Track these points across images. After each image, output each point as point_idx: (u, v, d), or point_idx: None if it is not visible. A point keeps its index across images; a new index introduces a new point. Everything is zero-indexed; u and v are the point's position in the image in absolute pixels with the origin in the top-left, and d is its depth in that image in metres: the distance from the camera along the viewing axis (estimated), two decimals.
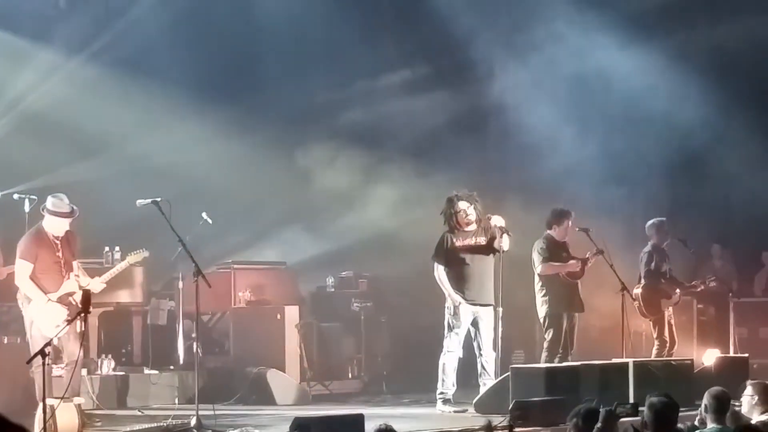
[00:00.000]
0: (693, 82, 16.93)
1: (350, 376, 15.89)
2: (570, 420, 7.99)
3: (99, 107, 15.64)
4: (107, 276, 11.78)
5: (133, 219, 12.98)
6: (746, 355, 14.24)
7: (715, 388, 8.44)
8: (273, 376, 14.05)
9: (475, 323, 12.62)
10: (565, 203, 14.12)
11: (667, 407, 7.89)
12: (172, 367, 14.35)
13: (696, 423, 8.49)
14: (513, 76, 17.14)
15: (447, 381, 12.64)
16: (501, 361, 12.65)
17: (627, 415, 9.91)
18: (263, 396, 13.88)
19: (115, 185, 15.22)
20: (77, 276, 11.47)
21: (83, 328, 10.74)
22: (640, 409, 9.34)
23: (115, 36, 15.83)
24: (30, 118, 15.34)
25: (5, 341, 12.91)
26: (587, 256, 13.50)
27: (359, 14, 17.23)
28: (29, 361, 10.21)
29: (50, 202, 11.44)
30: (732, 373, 12.66)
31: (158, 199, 11.43)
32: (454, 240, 12.68)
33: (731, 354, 14.92)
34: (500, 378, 12.25)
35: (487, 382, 12.48)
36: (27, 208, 13.01)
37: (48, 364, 9.56)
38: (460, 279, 12.60)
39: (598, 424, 7.83)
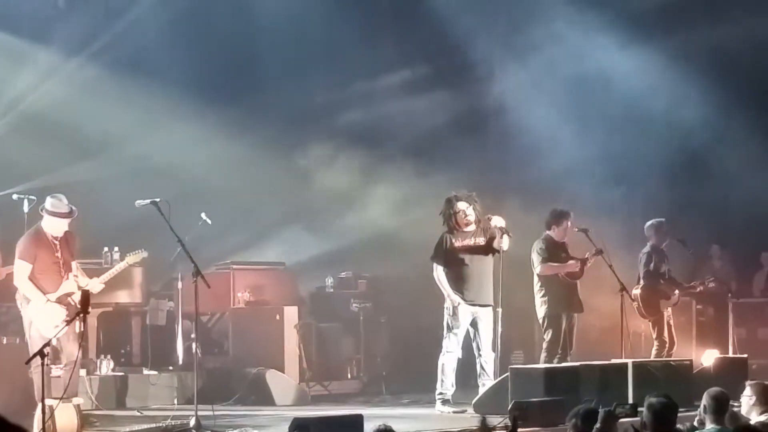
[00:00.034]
0: (693, 82, 16.93)
1: (349, 376, 15.89)
2: (569, 420, 7.99)
3: (98, 107, 15.63)
4: (106, 276, 11.76)
5: (132, 219, 12.97)
6: (745, 355, 14.23)
7: (714, 389, 8.44)
8: (272, 377, 14.05)
9: (474, 324, 12.62)
10: (565, 203, 14.11)
11: (666, 408, 7.89)
12: (171, 368, 14.34)
13: (695, 423, 8.48)
14: (513, 77, 17.14)
15: (446, 381, 12.64)
16: (500, 362, 12.66)
17: (626, 416, 9.93)
18: (262, 396, 13.87)
19: (115, 186, 15.21)
20: (76, 276, 11.45)
21: (82, 329, 10.75)
22: (639, 409, 9.34)
23: (114, 36, 15.83)
24: (29, 118, 15.34)
25: (4, 341, 12.90)
26: (586, 256, 13.50)
27: (359, 14, 17.22)
28: (28, 362, 10.22)
29: (49, 202, 11.43)
30: (731, 374, 12.66)
31: (157, 200, 11.43)
32: (453, 240, 12.68)
33: (730, 354, 14.90)
34: (499, 378, 12.25)
35: (486, 382, 12.48)
36: (26, 208, 13.01)
37: (47, 365, 9.55)
38: (459, 279, 12.60)
39: (598, 425, 7.83)
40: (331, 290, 16.53)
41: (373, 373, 15.76)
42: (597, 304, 14.06)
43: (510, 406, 10.85)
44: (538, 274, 13.53)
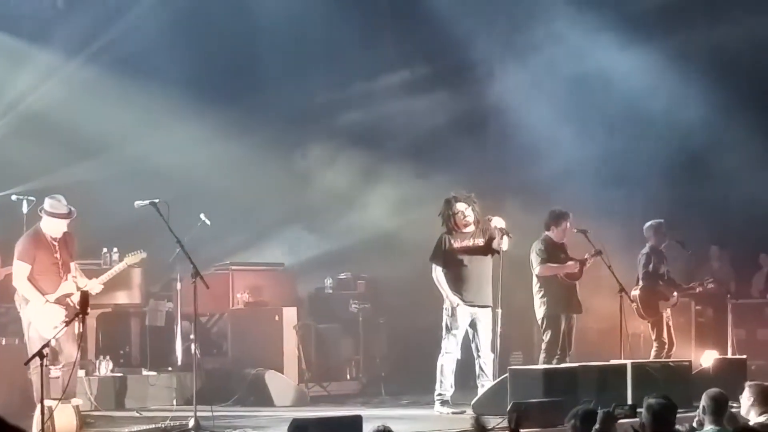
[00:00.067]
0: (693, 82, 16.92)
1: (348, 377, 15.88)
2: (568, 421, 8.00)
3: (98, 108, 15.62)
4: (105, 277, 11.77)
5: (131, 220, 12.96)
6: (744, 356, 14.24)
7: (713, 390, 8.44)
8: (271, 378, 14.04)
9: (473, 324, 12.61)
10: (565, 204, 14.09)
11: (665, 408, 7.89)
12: (170, 369, 14.34)
13: (694, 424, 8.48)
14: (513, 77, 17.13)
15: (445, 382, 12.64)
16: (499, 363, 12.65)
17: (625, 417, 9.90)
18: (261, 397, 13.87)
19: (114, 186, 15.19)
20: (75, 277, 11.45)
21: (81, 330, 10.74)
22: (638, 410, 9.31)
23: (114, 36, 15.83)
24: (28, 119, 15.33)
25: (3, 342, 12.90)
26: (585, 257, 13.48)
27: (359, 14, 17.21)
28: (27, 363, 10.23)
29: (48, 203, 11.44)
30: (730, 375, 12.65)
31: (156, 201, 11.43)
32: (452, 241, 12.67)
33: (729, 355, 14.91)
34: (498, 379, 12.25)
35: (485, 383, 12.48)
36: (25, 209, 13.01)
37: (46, 366, 9.56)
38: (458, 280, 12.59)
39: (596, 426, 7.84)
40: (330, 291, 16.53)
41: (372, 374, 15.75)
42: (596, 305, 14.05)
43: (509, 407, 10.84)
44: (537, 275, 13.52)
